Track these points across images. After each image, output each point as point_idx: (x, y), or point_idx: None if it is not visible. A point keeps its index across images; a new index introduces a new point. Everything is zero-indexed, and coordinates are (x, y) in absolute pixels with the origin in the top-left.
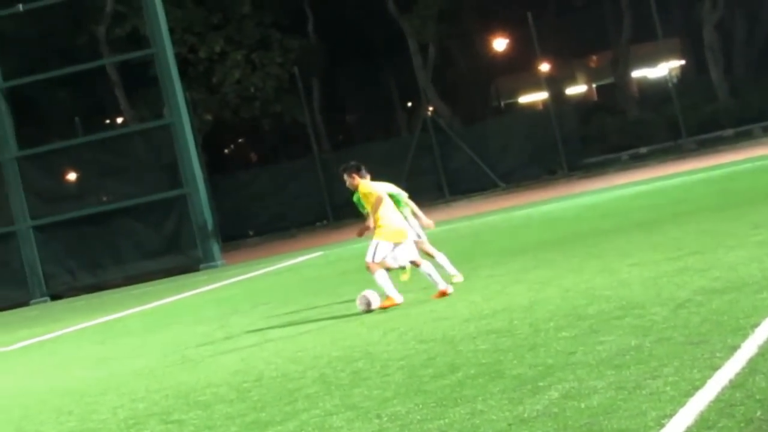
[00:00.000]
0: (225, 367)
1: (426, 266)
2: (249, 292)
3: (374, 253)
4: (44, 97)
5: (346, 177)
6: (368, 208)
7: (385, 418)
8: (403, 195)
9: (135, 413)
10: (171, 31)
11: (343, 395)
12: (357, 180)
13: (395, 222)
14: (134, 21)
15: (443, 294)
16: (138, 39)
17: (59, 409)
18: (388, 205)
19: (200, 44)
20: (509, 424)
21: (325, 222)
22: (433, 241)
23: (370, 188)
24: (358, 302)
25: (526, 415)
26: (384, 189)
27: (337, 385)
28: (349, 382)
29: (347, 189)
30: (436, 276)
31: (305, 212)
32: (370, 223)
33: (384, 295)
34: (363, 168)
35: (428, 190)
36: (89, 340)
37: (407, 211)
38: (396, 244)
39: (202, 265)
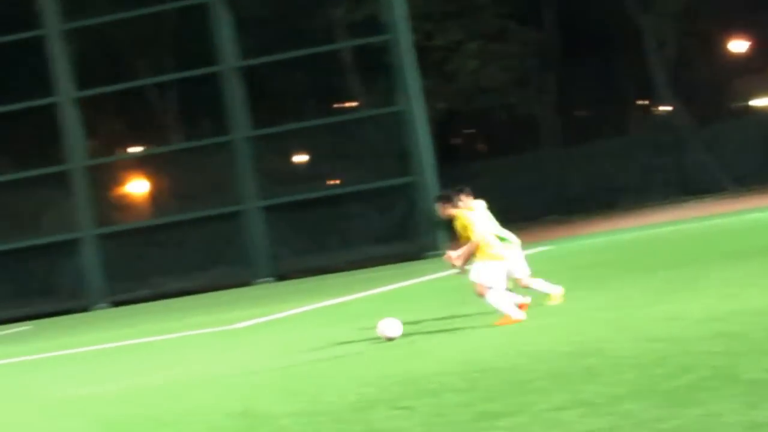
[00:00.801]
0: (453, 356)
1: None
2: None
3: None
4: (278, 78)
5: (437, 205)
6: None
7: (618, 416)
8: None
9: (363, 397)
10: (409, 17)
11: (575, 390)
12: (449, 210)
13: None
14: (372, 6)
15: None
16: (375, 24)
17: (287, 390)
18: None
19: (437, 32)
20: (745, 429)
21: (555, 216)
22: (661, 241)
23: (466, 222)
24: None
25: (761, 420)
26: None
27: (567, 380)
28: (581, 378)
29: (578, 183)
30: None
31: (534, 205)
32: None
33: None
34: (457, 196)
35: (658, 190)
36: (315, 322)
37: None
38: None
39: (428, 253)
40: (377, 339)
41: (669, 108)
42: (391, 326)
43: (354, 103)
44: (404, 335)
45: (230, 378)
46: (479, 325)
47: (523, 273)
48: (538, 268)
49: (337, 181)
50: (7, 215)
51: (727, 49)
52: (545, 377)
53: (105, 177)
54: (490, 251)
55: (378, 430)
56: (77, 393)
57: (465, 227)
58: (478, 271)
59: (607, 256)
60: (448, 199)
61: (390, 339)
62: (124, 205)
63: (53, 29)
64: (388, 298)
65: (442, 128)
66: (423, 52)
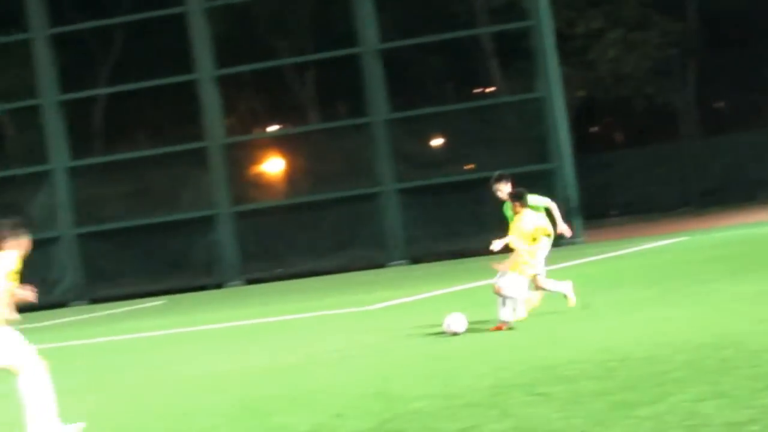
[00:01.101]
0: (589, 345)
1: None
2: (610, 271)
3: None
4: (418, 61)
5: (512, 202)
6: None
7: (756, 409)
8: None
9: (499, 382)
10: (551, 4)
11: (712, 382)
12: (518, 208)
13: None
14: None
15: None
16: (517, 10)
17: (422, 372)
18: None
19: (578, 20)
20: None
21: (691, 207)
22: None
23: (519, 228)
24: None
25: None
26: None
27: (705, 372)
28: (718, 370)
29: (716, 175)
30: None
31: (670, 196)
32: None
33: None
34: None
35: None
36: (449, 306)
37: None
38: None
39: (562, 241)
40: (516, 325)
41: None
42: (457, 321)
43: (493, 89)
44: (542, 323)
45: (364, 359)
46: (616, 314)
47: (541, 270)
48: (673, 259)
49: (473, 166)
50: (145, 191)
51: None
52: (683, 368)
53: (242, 155)
54: (524, 264)
55: (514, 415)
56: (212, 369)
57: (523, 234)
58: (510, 283)
59: (744, 248)
60: (521, 197)
61: (455, 333)
62: (260, 184)
63: (195, 6)
64: None
65: (580, 116)
66: (563, 39)
